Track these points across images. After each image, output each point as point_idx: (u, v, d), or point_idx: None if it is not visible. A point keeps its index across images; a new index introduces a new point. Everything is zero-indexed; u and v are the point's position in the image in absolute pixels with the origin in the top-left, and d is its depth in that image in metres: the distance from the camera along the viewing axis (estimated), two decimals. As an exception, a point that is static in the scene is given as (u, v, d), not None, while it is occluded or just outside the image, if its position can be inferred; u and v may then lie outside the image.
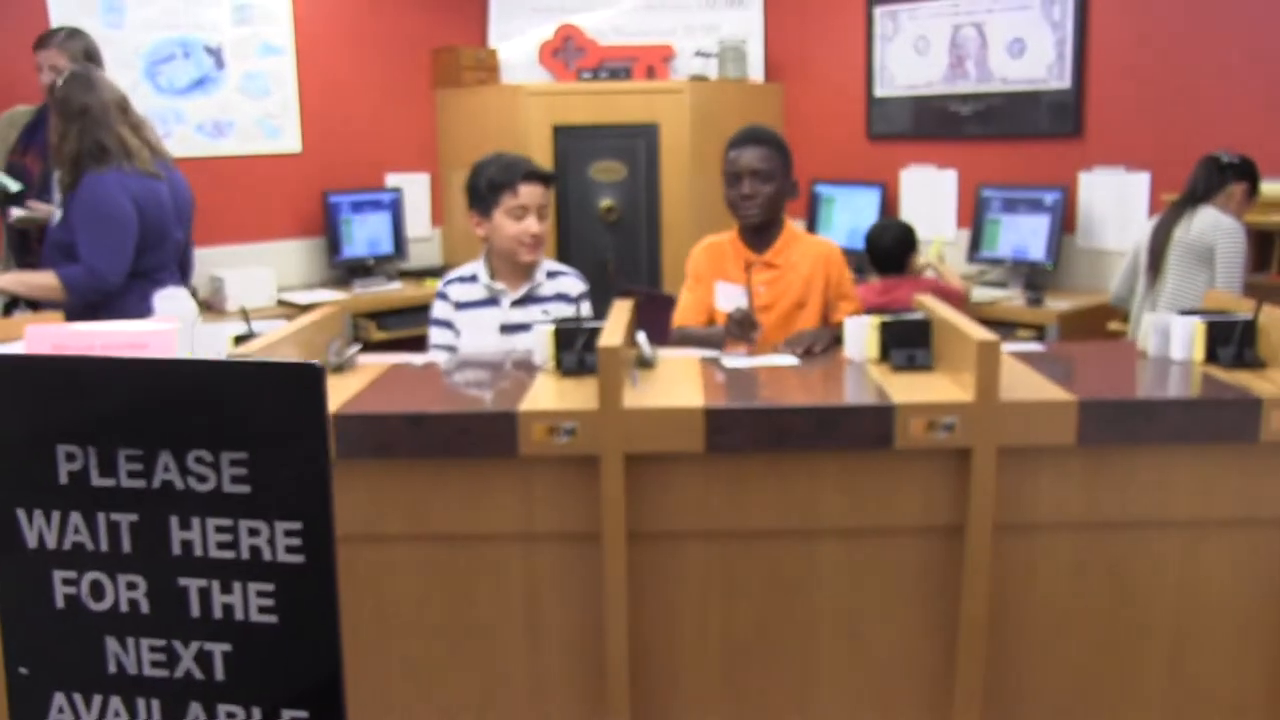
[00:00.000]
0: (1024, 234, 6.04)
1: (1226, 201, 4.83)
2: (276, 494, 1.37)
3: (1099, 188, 5.97)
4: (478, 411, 2.72)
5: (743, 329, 3.39)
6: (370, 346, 5.97)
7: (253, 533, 1.38)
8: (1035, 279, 5.99)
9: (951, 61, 6.44)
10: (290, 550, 1.40)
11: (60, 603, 1.48)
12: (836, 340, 3.37)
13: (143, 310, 4.32)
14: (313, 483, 1.38)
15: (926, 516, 2.77)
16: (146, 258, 4.41)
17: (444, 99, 7.17)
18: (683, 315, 3.87)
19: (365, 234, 6.74)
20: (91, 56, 4.95)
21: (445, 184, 7.15)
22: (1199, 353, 3.05)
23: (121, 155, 4.32)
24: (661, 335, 3.71)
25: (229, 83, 6.38)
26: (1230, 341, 2.99)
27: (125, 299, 4.33)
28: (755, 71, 7.16)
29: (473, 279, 3.81)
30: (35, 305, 4.36)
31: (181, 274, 4.73)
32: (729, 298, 3.66)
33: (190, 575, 1.44)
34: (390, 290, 6.53)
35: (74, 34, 5.04)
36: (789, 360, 3.26)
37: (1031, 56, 6.13)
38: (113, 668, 1.49)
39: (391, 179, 7.02)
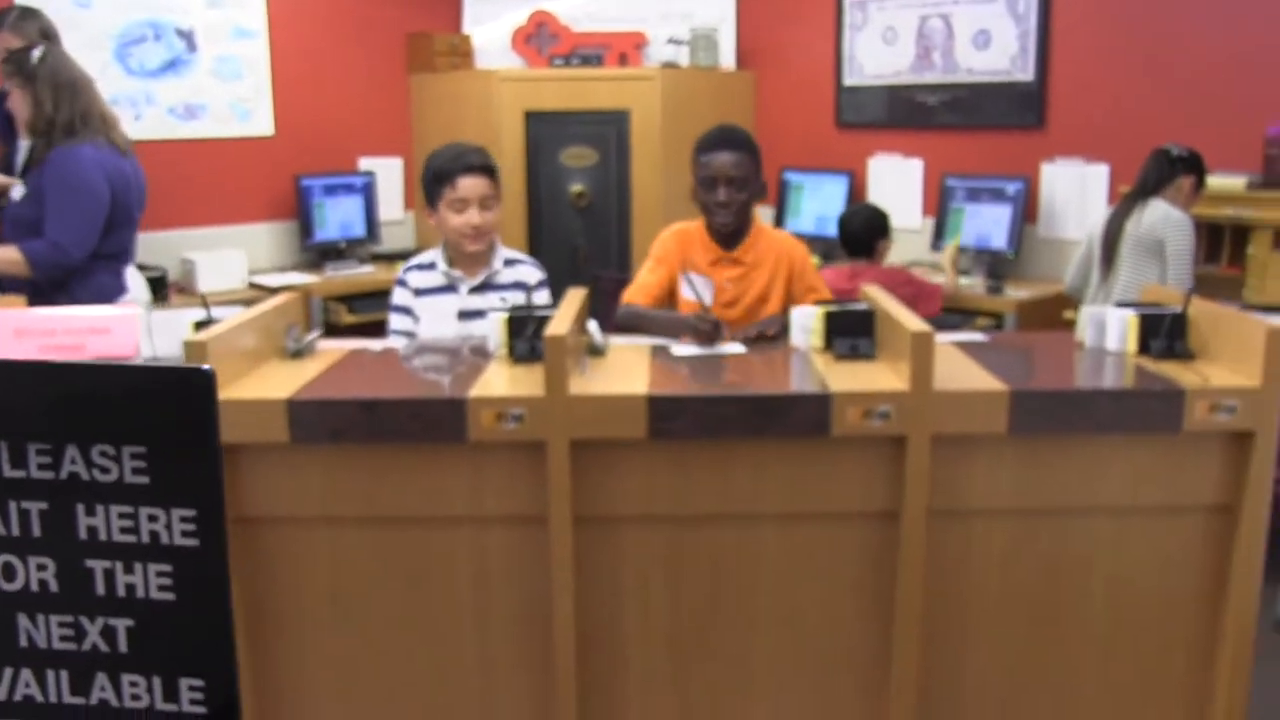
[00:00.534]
0: (986, 223, 6.14)
1: (1176, 195, 4.93)
2: (173, 484, 1.49)
3: (1060, 178, 6.07)
4: (429, 398, 2.79)
5: (709, 337, 3.38)
6: (341, 330, 6.05)
7: (152, 519, 1.50)
8: (997, 267, 6.09)
9: (919, 52, 6.53)
10: (185, 534, 1.53)
11: (-26, 583, 1.61)
12: (785, 329, 3.44)
13: (107, 293, 4.36)
14: (205, 474, 1.50)
15: (864, 502, 2.85)
16: (111, 239, 4.42)
17: (418, 84, 7.23)
18: (637, 294, 3.90)
19: (337, 217, 6.80)
20: (49, 36, 4.90)
21: (418, 168, 7.16)
22: (1132, 345, 3.13)
23: (104, 127, 4.36)
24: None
25: (201, 65, 6.43)
26: (1161, 334, 3.07)
27: (88, 280, 4.35)
28: (727, 59, 7.23)
29: (431, 266, 3.88)
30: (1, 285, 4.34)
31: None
32: (694, 290, 3.71)
33: (95, 557, 1.56)
34: (362, 274, 6.59)
35: (27, 13, 4.99)
36: (736, 349, 3.34)
37: (996, 48, 6.22)
38: (24, 642, 1.61)
39: (364, 163, 7.08)
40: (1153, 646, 2.97)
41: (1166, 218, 4.85)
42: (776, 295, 3.85)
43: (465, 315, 3.80)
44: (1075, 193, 6.01)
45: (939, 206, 6.35)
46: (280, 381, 2.92)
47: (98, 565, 1.55)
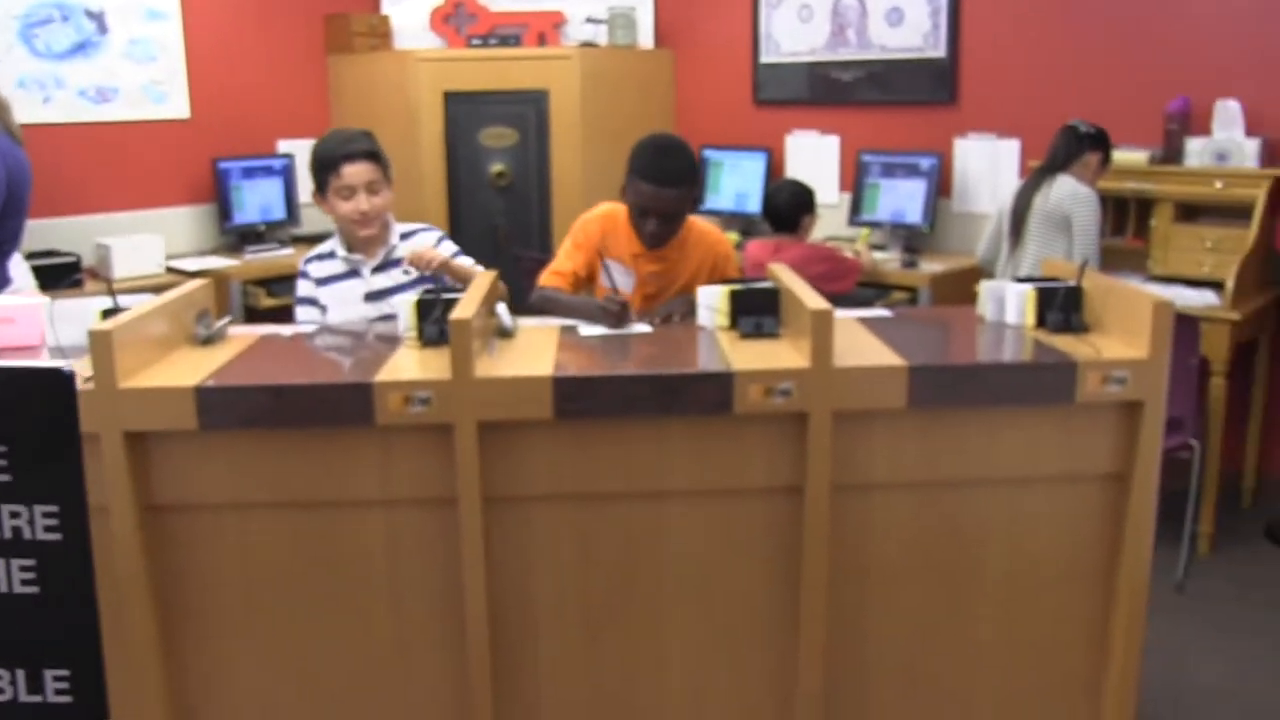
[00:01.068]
0: (901, 198, 6.22)
1: (1083, 170, 5.02)
2: (35, 481, 1.53)
3: (972, 153, 6.17)
4: (336, 383, 2.81)
5: (617, 319, 3.41)
6: (261, 313, 6.04)
7: (14, 515, 1.54)
8: (912, 241, 6.17)
9: (833, 30, 6.59)
10: (48, 529, 1.58)
11: None
12: (694, 310, 3.47)
13: None
14: (66, 471, 1.53)
15: (769, 478, 2.91)
16: (3, 226, 4.33)
17: (335, 65, 7.22)
18: (552, 277, 3.93)
19: (256, 200, 6.78)
20: None
21: (337, 150, 7.17)
22: (1030, 318, 3.21)
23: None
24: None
25: (113, 47, 6.37)
26: (1056, 307, 3.14)
27: None
28: (645, 38, 7.26)
29: (331, 255, 3.92)
30: None
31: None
32: (611, 280, 3.70)
33: (-43, 553, 1.59)
34: (282, 256, 6.57)
35: None
36: (644, 329, 3.38)
37: (909, 25, 6.29)
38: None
39: (283, 145, 7.06)
40: (1051, 610, 3.06)
41: (1074, 193, 4.94)
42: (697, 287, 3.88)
43: (372, 296, 3.84)
44: (987, 167, 6.11)
45: (855, 182, 6.42)
46: (189, 369, 2.93)
47: (-41, 560, 1.57)
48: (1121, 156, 5.32)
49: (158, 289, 3.60)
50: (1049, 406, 2.90)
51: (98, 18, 6.29)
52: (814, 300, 2.86)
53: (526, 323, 3.42)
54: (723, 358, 2.95)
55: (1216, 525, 5.14)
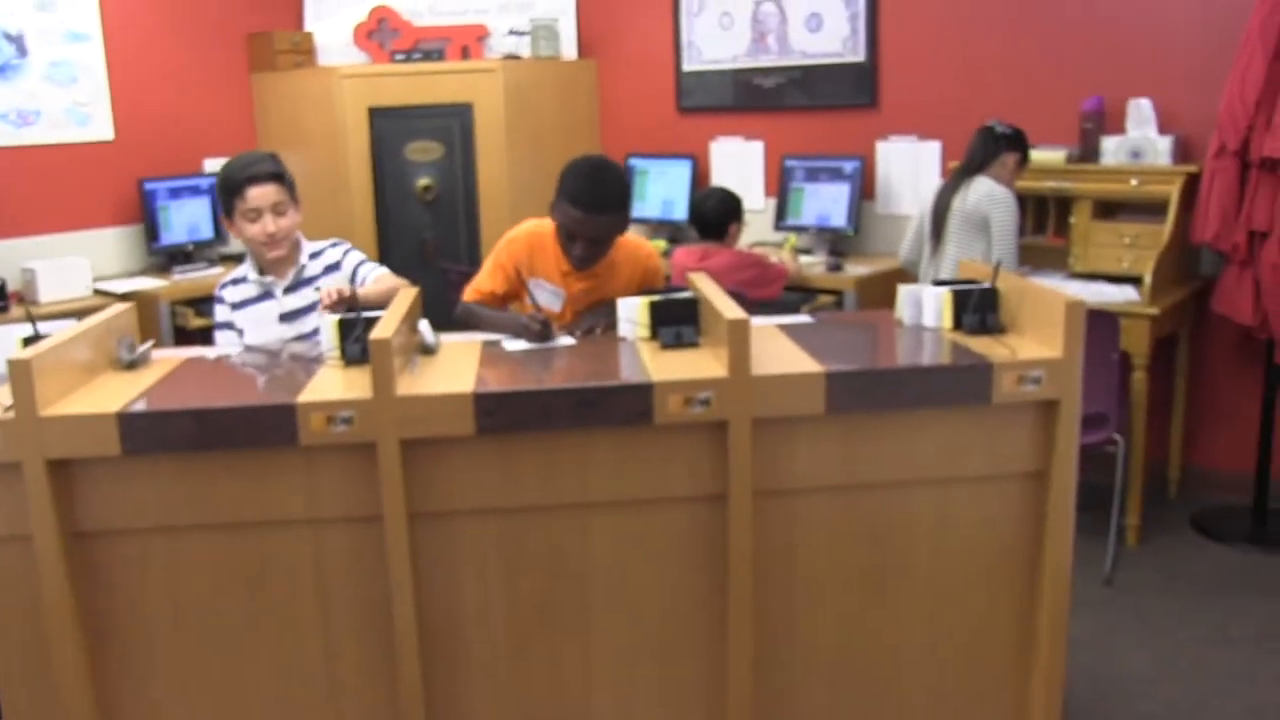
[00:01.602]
0: (826, 202, 6.28)
1: (1000, 171, 5.09)
2: None
3: (894, 156, 6.24)
4: (258, 404, 2.81)
5: (539, 336, 3.41)
6: (189, 333, 6.02)
7: None
8: (838, 245, 6.23)
9: (754, 36, 6.65)
10: None
11: None
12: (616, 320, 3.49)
13: None
14: None
15: (692, 487, 2.94)
16: None
17: (260, 83, 7.20)
18: (473, 294, 3.92)
19: (184, 220, 6.75)
20: None
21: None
22: (947, 321, 3.26)
23: None
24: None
25: (33, 70, 6.33)
26: (972, 309, 3.19)
27: None
28: (568, 49, 7.29)
29: (244, 279, 3.94)
30: None
31: None
32: (537, 300, 3.72)
33: None
34: (211, 276, 6.53)
35: None
36: (567, 341, 3.41)
37: (828, 31, 6.36)
38: None
39: (209, 164, 7.03)
40: (976, 608, 3.11)
41: (990, 195, 5.00)
42: None
43: (286, 317, 3.87)
44: (909, 169, 6.18)
45: (780, 187, 6.47)
46: (111, 394, 2.93)
47: None
48: (1039, 156, 5.40)
49: (85, 311, 3.60)
50: (967, 408, 2.94)
51: (16, 40, 6.25)
52: (731, 310, 2.89)
53: (450, 338, 3.44)
54: (642, 369, 2.98)
55: (1144, 517, 5.22)
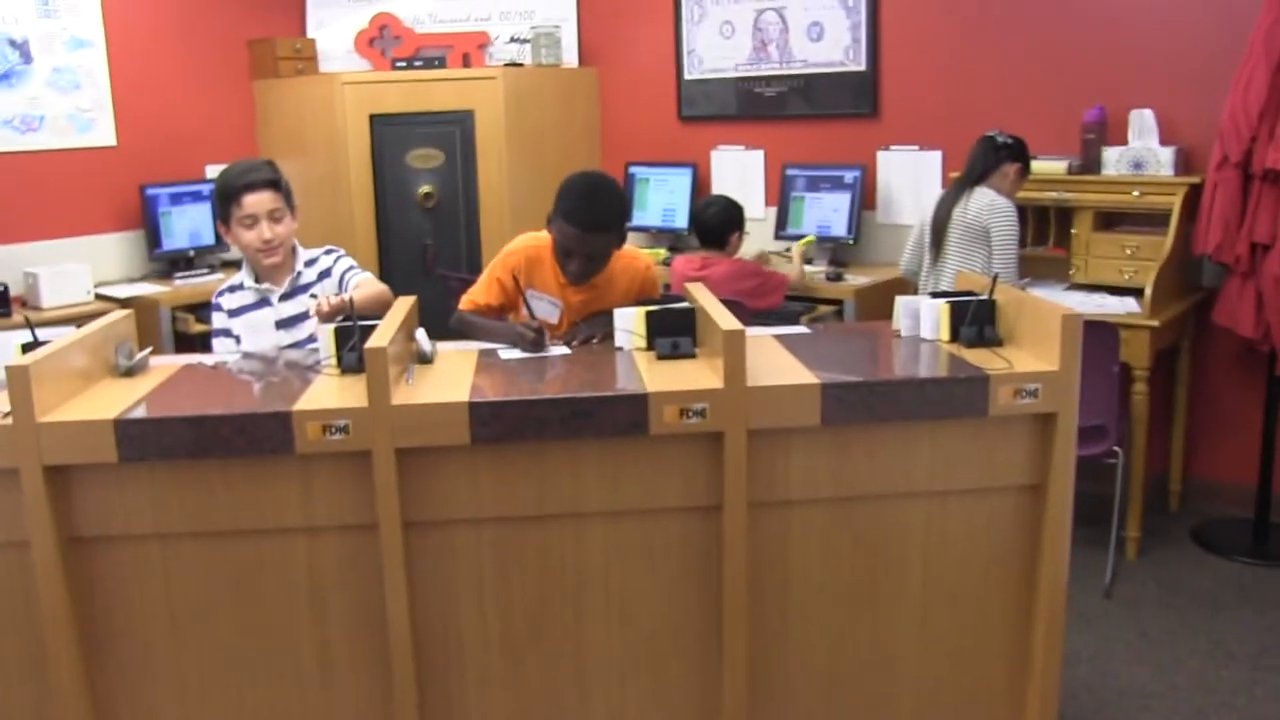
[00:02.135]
0: (827, 211, 6.28)
1: (1001, 181, 5.08)
2: None
3: (895, 166, 6.23)
4: (254, 412, 2.81)
5: (533, 345, 3.40)
6: (190, 338, 6.02)
7: None
8: (838, 254, 6.23)
9: (755, 45, 6.65)
10: None
11: None
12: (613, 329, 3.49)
13: None
14: None
15: (686, 497, 2.94)
16: None
17: (261, 89, 7.21)
18: (471, 304, 3.93)
19: (185, 226, 6.76)
20: None
21: (265, 174, 7.16)
22: (945, 333, 3.26)
23: None
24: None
25: (37, 76, 6.33)
26: (970, 321, 3.19)
27: None
28: (570, 57, 7.29)
29: (241, 286, 3.96)
30: None
31: None
32: (541, 311, 3.73)
33: None
34: (212, 281, 6.50)
35: None
36: (563, 351, 3.41)
37: (829, 40, 6.36)
38: None
39: (211, 170, 7.02)
40: (971, 621, 3.11)
41: (992, 205, 5.00)
42: None
43: (282, 324, 3.88)
44: (910, 179, 6.18)
45: (781, 196, 6.47)
46: (108, 401, 2.93)
47: None
48: (1041, 166, 5.39)
49: (86, 317, 3.60)
50: (963, 420, 2.94)
51: (21, 47, 6.25)
52: (727, 320, 2.89)
53: (446, 347, 3.44)
54: (638, 379, 2.98)
55: (1144, 530, 5.21)
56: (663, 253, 6.54)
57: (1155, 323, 4.93)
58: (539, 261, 3.90)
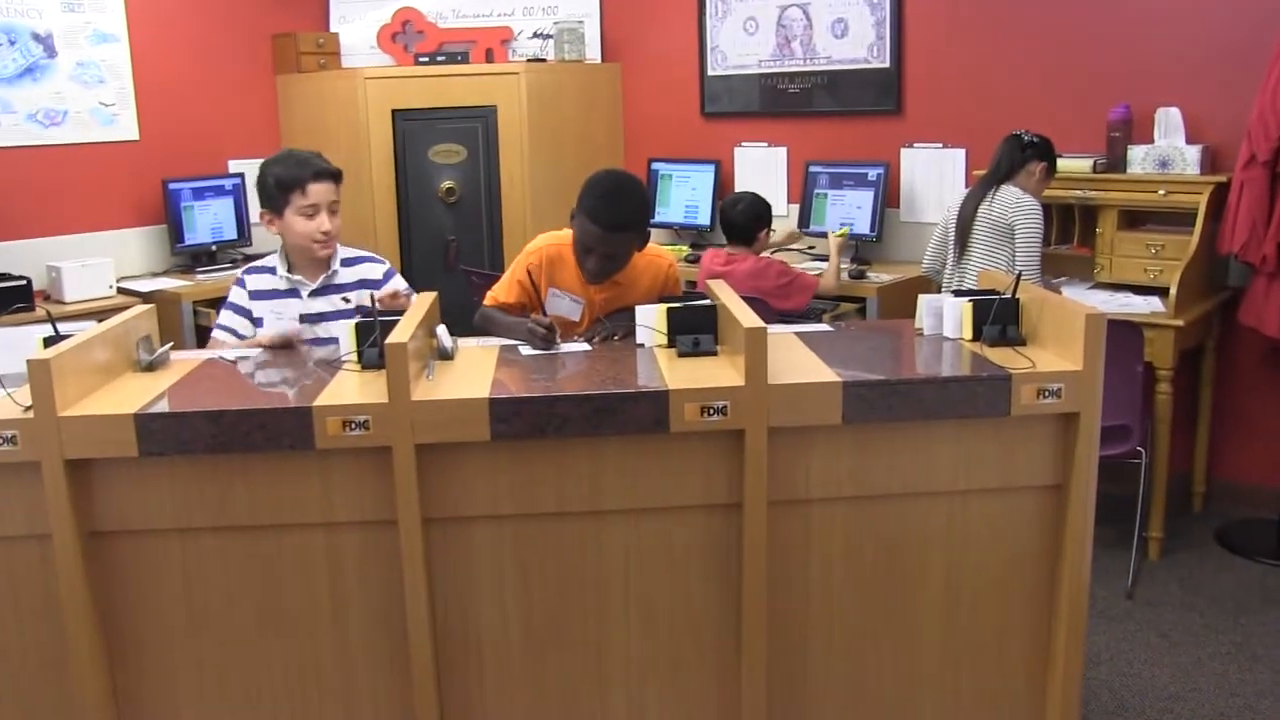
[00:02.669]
0: (850, 208, 6.26)
1: (1027, 179, 5.06)
2: None
3: (919, 163, 6.21)
4: (274, 407, 2.81)
5: (544, 341, 3.39)
6: (211, 334, 6.02)
7: None
8: (861, 252, 6.21)
9: (779, 42, 6.63)
10: None
11: None
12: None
13: None
14: None
15: (706, 495, 2.93)
16: None
17: (285, 84, 7.21)
18: (493, 301, 3.91)
19: (207, 220, 6.77)
20: None
21: (288, 169, 7.17)
22: (967, 331, 3.24)
23: None
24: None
25: (61, 71, 6.35)
26: (993, 320, 3.17)
27: None
28: (592, 52, 7.28)
29: (272, 270, 3.91)
30: None
31: None
32: (564, 309, 3.73)
33: None
34: (233, 276, 6.51)
35: None
36: (583, 348, 3.40)
37: (853, 37, 6.34)
38: None
39: (234, 165, 7.04)
40: (992, 621, 3.09)
41: (1018, 203, 4.98)
42: None
43: (307, 319, 3.85)
44: (934, 177, 6.16)
45: (804, 193, 6.45)
46: (129, 396, 2.94)
47: None
48: (1066, 164, 5.36)
49: (109, 311, 3.60)
50: (985, 419, 2.92)
51: (45, 41, 6.27)
52: (748, 318, 2.87)
53: (468, 343, 3.43)
54: (659, 377, 2.97)
55: (1167, 531, 5.18)
56: (684, 250, 6.53)
57: (1180, 322, 4.90)
58: (560, 260, 3.89)
